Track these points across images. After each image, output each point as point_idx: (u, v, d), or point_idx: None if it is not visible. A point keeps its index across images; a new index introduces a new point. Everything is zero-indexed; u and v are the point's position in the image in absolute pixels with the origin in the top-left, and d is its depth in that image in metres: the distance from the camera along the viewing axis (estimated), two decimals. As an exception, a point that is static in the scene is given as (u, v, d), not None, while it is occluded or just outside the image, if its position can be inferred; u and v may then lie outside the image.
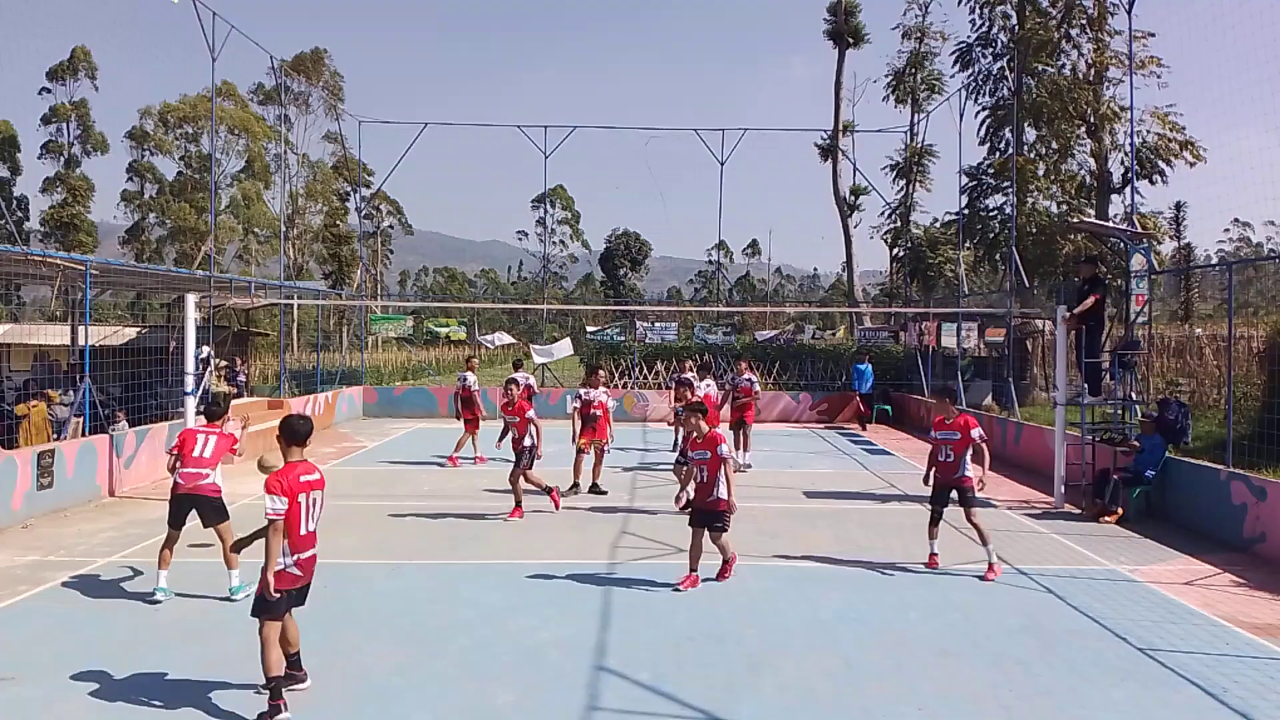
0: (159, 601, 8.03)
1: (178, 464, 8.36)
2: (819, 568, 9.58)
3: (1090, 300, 12.96)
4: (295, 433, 5.95)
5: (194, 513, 8.33)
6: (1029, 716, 5.96)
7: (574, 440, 13.56)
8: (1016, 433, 17.82)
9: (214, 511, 8.34)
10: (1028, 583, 8.98)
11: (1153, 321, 15.58)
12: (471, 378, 17.15)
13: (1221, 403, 17.90)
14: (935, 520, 9.68)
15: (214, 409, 9.22)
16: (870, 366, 24.75)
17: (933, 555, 9.65)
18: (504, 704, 6.04)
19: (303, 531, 5.84)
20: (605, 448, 13.68)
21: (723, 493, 8.59)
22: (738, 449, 15.33)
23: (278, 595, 5.73)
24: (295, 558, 5.82)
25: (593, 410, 13.42)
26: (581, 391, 13.78)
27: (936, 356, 26.32)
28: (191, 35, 17.80)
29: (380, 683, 6.37)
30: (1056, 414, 13.56)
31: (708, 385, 15.09)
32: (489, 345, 33.71)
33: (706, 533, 8.76)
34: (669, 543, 10.55)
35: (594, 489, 13.50)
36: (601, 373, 14.44)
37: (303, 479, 5.85)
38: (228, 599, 8.09)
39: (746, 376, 16.19)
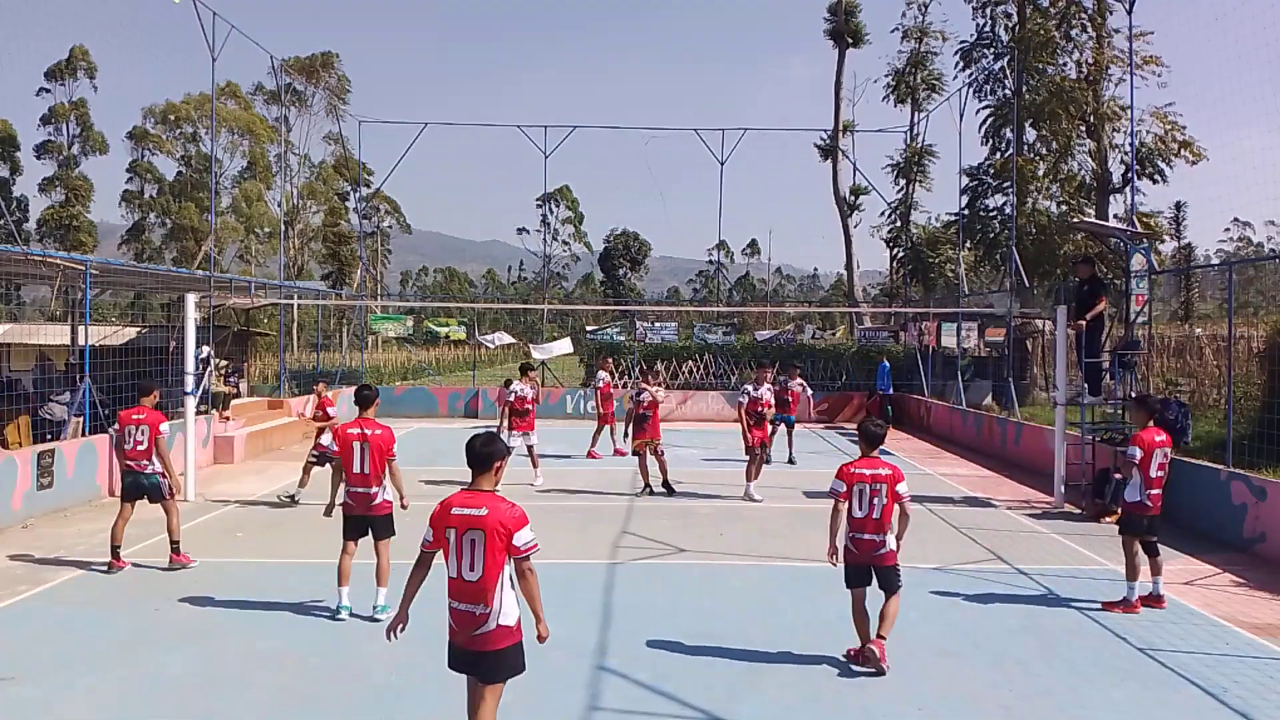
0: (344, 620, 7.58)
1: (342, 482, 7.69)
2: (819, 568, 9.50)
3: (1100, 305, 12.96)
4: (469, 453, 4.82)
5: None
6: (1029, 716, 5.96)
7: (628, 440, 13.86)
8: (1016, 433, 17.82)
9: (385, 528, 7.75)
10: (1028, 583, 8.98)
11: (1153, 321, 15.58)
12: (605, 375, 18.41)
13: (1221, 403, 17.88)
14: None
15: (365, 393, 8.14)
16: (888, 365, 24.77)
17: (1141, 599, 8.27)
18: (504, 704, 6.01)
19: (451, 574, 4.65)
20: (659, 448, 13.51)
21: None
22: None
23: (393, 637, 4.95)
24: (450, 605, 4.67)
25: (642, 411, 13.51)
26: (632, 392, 13.85)
27: (936, 356, 26.33)
28: (192, 35, 17.83)
29: (380, 683, 6.37)
30: (1056, 414, 13.57)
31: (767, 390, 13.65)
32: (489, 345, 33.66)
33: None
34: (669, 543, 10.56)
35: (665, 487, 13.54)
36: (659, 372, 14.54)
37: (454, 511, 4.65)
38: (371, 617, 7.58)
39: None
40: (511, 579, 4.66)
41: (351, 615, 7.66)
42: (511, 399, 14.10)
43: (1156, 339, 21.18)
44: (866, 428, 6.94)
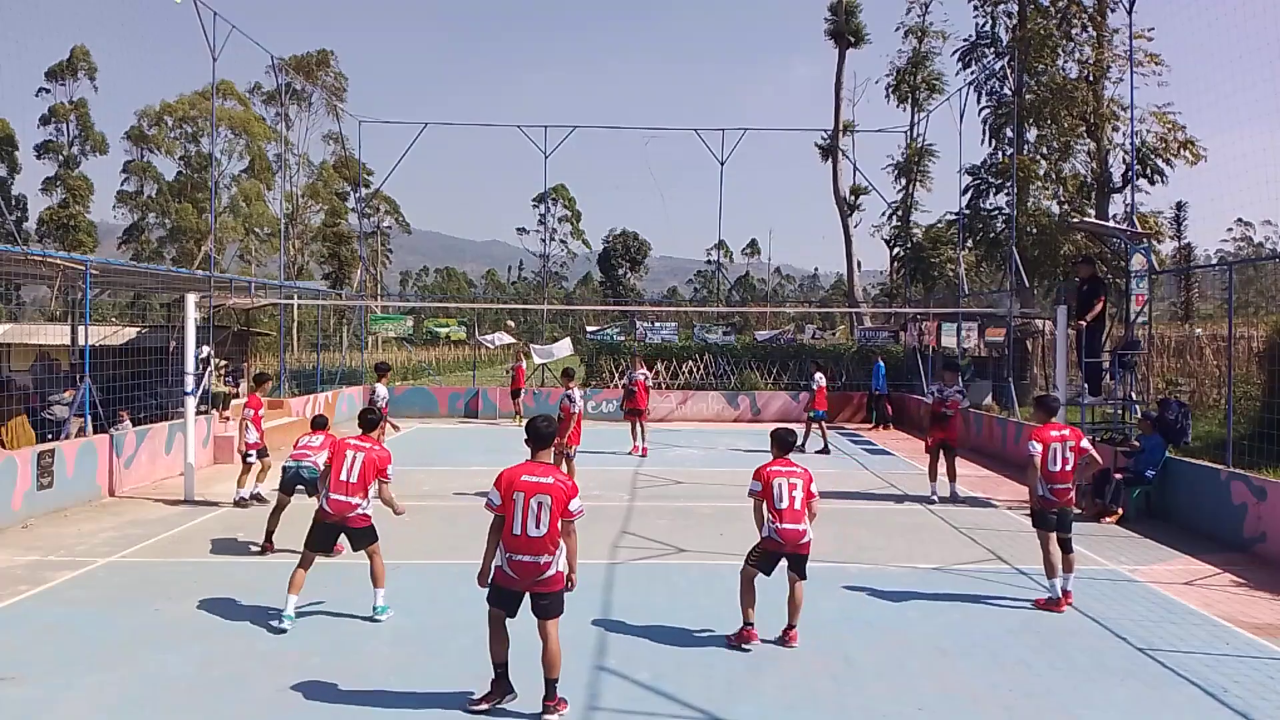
0: (285, 630, 7.36)
1: (325, 485, 7.63)
2: (819, 568, 9.50)
3: (1099, 306, 12.96)
4: (532, 432, 5.97)
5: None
6: (1030, 716, 5.96)
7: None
8: (1016, 433, 17.81)
9: (363, 538, 7.72)
10: (1027, 583, 8.98)
11: (1153, 321, 15.58)
12: (644, 374, 19.04)
13: (1221, 403, 17.89)
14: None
15: (370, 416, 8.23)
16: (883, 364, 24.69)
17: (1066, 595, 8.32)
18: (504, 703, 6.04)
19: (515, 531, 5.67)
20: (569, 452, 13.02)
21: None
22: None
23: (486, 588, 5.88)
24: (508, 557, 5.73)
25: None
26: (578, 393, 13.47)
27: (936, 356, 26.31)
28: (192, 35, 17.87)
29: (380, 683, 6.37)
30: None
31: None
32: (489, 345, 33.65)
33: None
34: (669, 543, 10.56)
35: None
36: (573, 372, 14.21)
37: (523, 478, 5.74)
38: (371, 618, 7.63)
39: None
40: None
41: (297, 619, 7.47)
42: (383, 404, 13.10)
43: (1156, 339, 21.19)
44: (780, 435, 7.44)
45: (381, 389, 13.59)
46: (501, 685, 5.91)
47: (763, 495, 7.13)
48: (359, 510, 7.60)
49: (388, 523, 11.67)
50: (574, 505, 5.76)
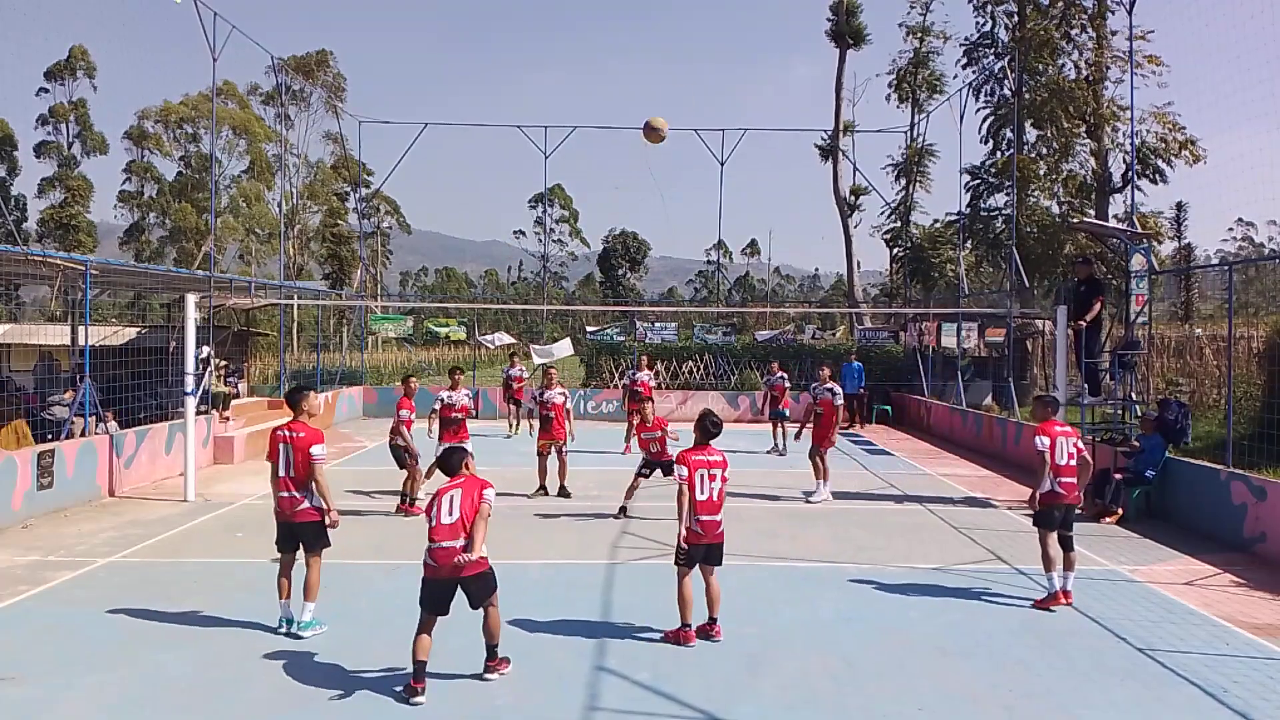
0: (282, 633, 7.29)
1: (273, 486, 7.43)
2: (819, 568, 9.58)
3: (1097, 306, 12.97)
4: (444, 465, 6.69)
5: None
6: (1030, 716, 5.96)
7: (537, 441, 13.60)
8: (1016, 433, 17.81)
9: (312, 541, 7.38)
10: (1027, 583, 8.98)
11: (1153, 321, 15.58)
12: (644, 374, 19.07)
13: (1221, 403, 17.90)
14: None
15: (293, 397, 7.66)
16: (859, 365, 24.50)
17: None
18: (504, 704, 6.05)
19: (431, 523, 6.27)
20: (563, 448, 13.32)
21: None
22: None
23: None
24: (429, 548, 6.25)
25: (545, 412, 13.29)
26: (535, 393, 13.57)
27: (936, 356, 26.32)
28: (192, 35, 17.87)
29: (380, 683, 6.37)
30: (1056, 414, 13.55)
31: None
32: (489, 345, 33.65)
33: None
34: (669, 543, 10.52)
35: (561, 491, 13.31)
36: (554, 372, 14.06)
37: (440, 488, 6.47)
38: (293, 634, 7.27)
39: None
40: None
41: (296, 631, 7.30)
42: (438, 406, 13.20)
43: (1156, 339, 21.19)
44: (704, 423, 7.37)
45: (458, 395, 13.29)
46: (421, 678, 6.11)
47: (688, 482, 7.11)
48: (305, 504, 7.33)
49: (388, 523, 11.75)
50: (489, 494, 6.30)
